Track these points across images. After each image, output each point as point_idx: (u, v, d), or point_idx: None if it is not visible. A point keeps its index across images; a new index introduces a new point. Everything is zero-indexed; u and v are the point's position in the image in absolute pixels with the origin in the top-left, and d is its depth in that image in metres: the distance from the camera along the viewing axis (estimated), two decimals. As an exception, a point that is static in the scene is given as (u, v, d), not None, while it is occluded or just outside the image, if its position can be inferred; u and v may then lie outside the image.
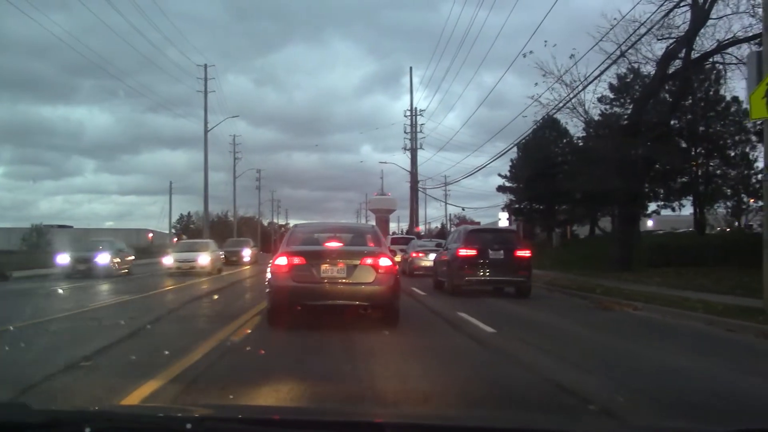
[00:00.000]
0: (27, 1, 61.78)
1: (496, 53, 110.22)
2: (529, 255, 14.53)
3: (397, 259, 15.93)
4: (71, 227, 78.04)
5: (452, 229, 32.18)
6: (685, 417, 4.28)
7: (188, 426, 1.95)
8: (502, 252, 14.29)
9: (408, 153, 46.16)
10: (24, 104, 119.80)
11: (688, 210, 37.90)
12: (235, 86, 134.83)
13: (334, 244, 8.87)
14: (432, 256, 20.31)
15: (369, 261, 8.37)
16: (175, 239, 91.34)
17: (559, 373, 5.75)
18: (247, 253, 33.25)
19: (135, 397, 4.48)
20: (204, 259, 23.00)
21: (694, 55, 19.66)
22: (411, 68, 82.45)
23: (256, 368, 5.92)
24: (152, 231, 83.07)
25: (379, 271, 8.31)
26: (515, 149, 40.19)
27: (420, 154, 45.90)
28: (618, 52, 19.28)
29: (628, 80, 30.39)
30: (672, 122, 22.95)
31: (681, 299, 11.73)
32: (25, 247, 52.53)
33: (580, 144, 33.42)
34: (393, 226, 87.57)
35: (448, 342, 7.77)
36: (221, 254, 26.90)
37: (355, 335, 7.70)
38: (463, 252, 14.32)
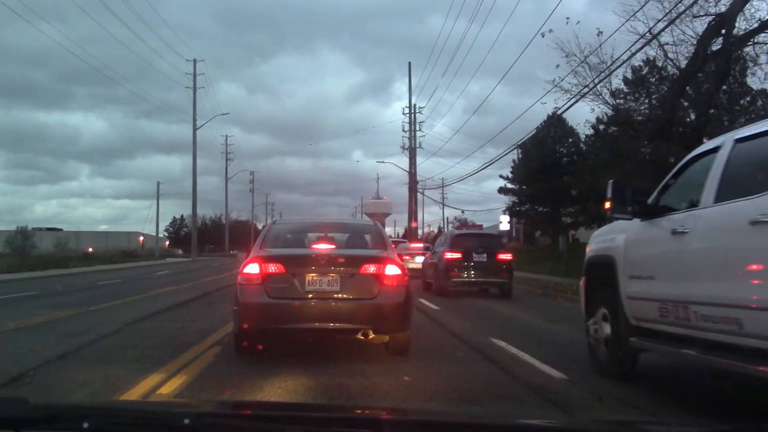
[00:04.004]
0: (24, 6, 59.86)
1: (487, 61, 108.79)
2: (510, 258, 15.46)
3: None
4: (61, 230, 76.19)
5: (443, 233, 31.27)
6: None
7: (186, 421, 1.87)
8: (485, 255, 15.04)
9: (406, 152, 44.58)
10: (20, 110, 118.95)
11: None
12: (228, 94, 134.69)
13: (324, 247, 6.70)
14: (418, 258, 21.19)
15: (371, 269, 6.33)
16: (167, 243, 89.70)
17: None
18: None
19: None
20: None
21: (738, 33, 17.41)
22: (410, 63, 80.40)
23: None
24: (143, 234, 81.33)
25: (385, 282, 6.28)
26: (516, 149, 38.21)
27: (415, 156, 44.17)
28: (654, 28, 16.93)
29: (644, 72, 28.47)
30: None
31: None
32: (9, 249, 50.56)
33: (590, 137, 31.17)
34: (389, 231, 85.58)
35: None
36: None
37: (362, 388, 5.21)
38: (448, 255, 15.02)
